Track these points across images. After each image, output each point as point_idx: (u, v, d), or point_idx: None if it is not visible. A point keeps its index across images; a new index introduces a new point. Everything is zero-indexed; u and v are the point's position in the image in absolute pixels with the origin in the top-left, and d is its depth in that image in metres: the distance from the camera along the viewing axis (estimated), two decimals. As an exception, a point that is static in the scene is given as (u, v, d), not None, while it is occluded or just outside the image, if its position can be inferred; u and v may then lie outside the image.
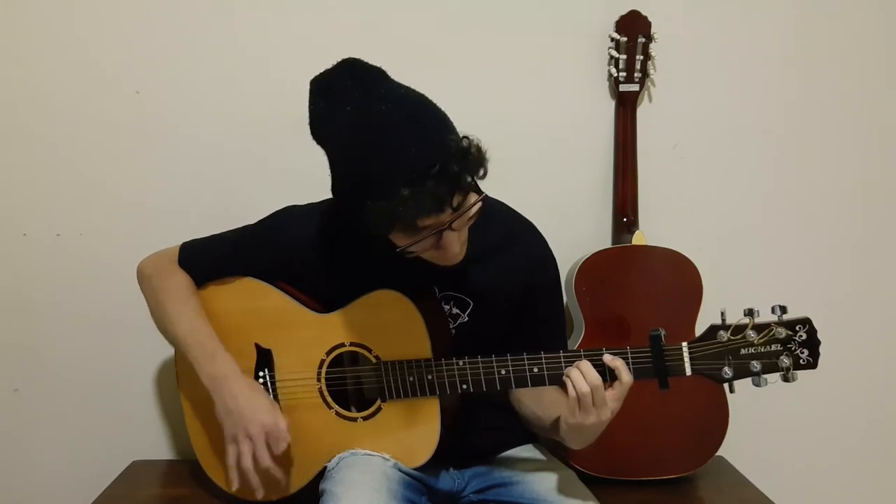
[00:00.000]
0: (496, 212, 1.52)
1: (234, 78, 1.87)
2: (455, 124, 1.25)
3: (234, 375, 1.45)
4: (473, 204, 1.26)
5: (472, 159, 1.21)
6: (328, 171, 1.28)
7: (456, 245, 1.28)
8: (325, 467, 1.48)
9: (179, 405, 1.63)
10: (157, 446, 1.99)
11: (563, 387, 1.33)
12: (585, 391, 1.29)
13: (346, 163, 1.23)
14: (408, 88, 1.26)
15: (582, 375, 1.30)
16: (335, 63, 1.27)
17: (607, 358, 1.33)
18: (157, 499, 1.77)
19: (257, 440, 1.41)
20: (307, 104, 1.30)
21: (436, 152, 1.17)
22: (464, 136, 1.22)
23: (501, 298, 1.50)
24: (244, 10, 1.86)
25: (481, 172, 1.24)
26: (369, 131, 1.19)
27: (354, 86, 1.23)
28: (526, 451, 1.63)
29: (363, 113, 1.20)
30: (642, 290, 1.80)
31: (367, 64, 1.27)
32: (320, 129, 1.27)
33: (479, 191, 1.26)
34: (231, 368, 1.45)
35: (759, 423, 1.98)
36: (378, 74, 1.27)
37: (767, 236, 1.98)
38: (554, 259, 1.56)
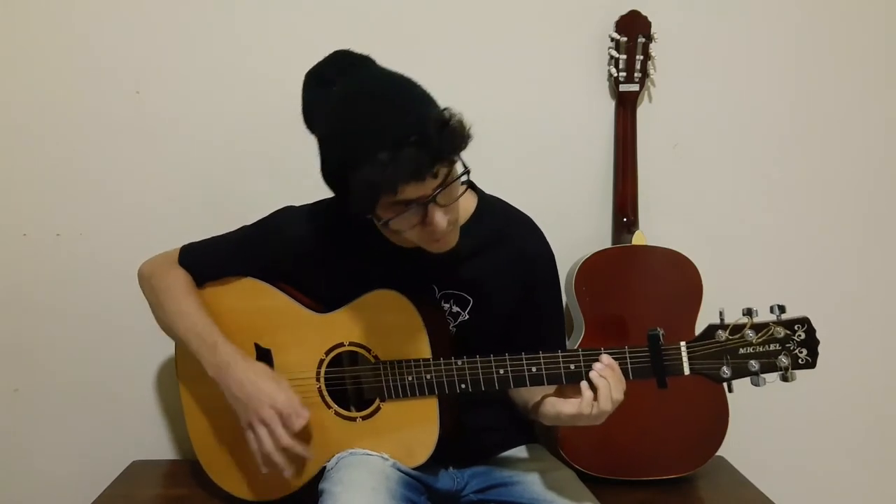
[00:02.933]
0: (493, 207, 1.53)
1: (235, 78, 1.88)
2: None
3: (236, 362, 1.44)
4: (458, 177, 1.27)
5: (451, 131, 1.22)
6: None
7: (443, 221, 1.27)
8: (324, 467, 1.48)
9: (179, 405, 1.64)
10: (157, 446, 1.99)
11: (563, 384, 1.33)
12: (607, 410, 1.31)
13: (330, 137, 1.26)
14: (394, 72, 1.29)
15: (610, 393, 1.31)
16: (326, 56, 1.32)
17: (605, 359, 1.34)
18: (157, 499, 1.77)
19: (272, 422, 1.39)
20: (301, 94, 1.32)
21: (414, 121, 1.19)
22: (445, 109, 1.24)
23: (501, 293, 1.50)
24: (244, 10, 1.86)
25: (462, 145, 1.24)
26: (352, 105, 1.23)
27: (342, 71, 1.28)
28: (525, 451, 1.63)
29: (348, 90, 1.25)
30: (642, 290, 1.80)
31: (355, 53, 1.31)
32: (311, 113, 1.31)
33: (464, 165, 1.27)
34: (233, 356, 1.44)
35: (759, 423, 1.98)
36: (366, 60, 1.31)
37: (768, 236, 1.98)
38: (552, 253, 1.56)
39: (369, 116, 1.20)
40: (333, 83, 1.26)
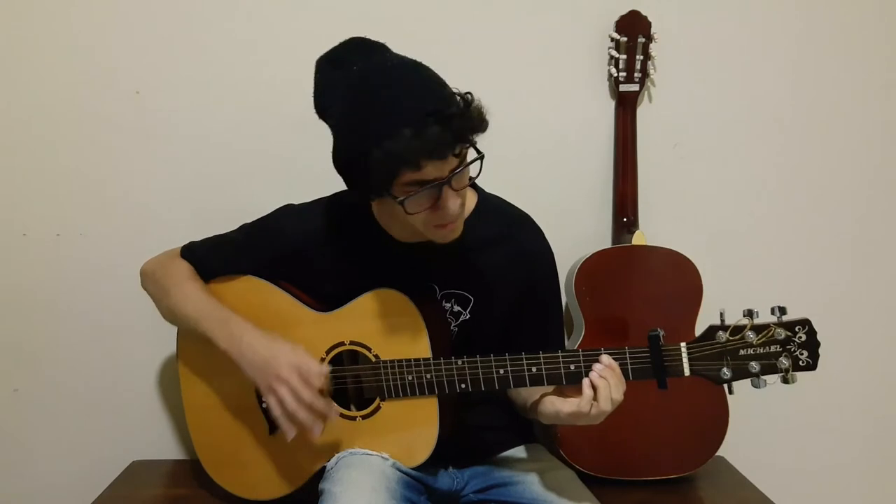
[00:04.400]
0: (493, 206, 1.53)
1: (235, 77, 1.87)
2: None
3: (249, 332, 1.43)
4: (474, 160, 1.28)
5: (473, 112, 1.24)
6: (328, 166, 1.29)
7: (455, 205, 1.28)
8: (324, 466, 1.48)
9: (179, 405, 1.64)
10: (157, 446, 1.99)
11: (560, 385, 1.33)
12: (607, 410, 1.30)
13: (349, 116, 1.26)
14: (411, 58, 1.29)
15: (610, 394, 1.30)
16: (341, 42, 1.32)
17: (605, 359, 1.33)
18: (158, 499, 1.77)
19: (291, 379, 1.36)
20: (307, 103, 1.32)
21: (437, 98, 1.21)
22: (467, 92, 1.26)
23: (502, 292, 1.50)
24: (244, 10, 1.86)
25: (482, 128, 1.26)
26: (374, 83, 1.24)
27: (359, 54, 1.29)
28: (525, 451, 1.63)
29: (367, 70, 1.25)
30: (642, 290, 1.80)
31: (370, 39, 1.32)
32: (325, 96, 1.31)
33: (478, 151, 1.28)
34: (245, 326, 1.43)
35: (759, 423, 1.99)
36: (382, 46, 1.32)
37: (768, 236, 1.98)
38: (551, 251, 1.56)
39: (393, 93, 1.21)
40: (351, 65, 1.26)
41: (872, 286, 2.01)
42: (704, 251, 1.81)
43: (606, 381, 1.30)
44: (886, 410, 2.05)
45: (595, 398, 1.30)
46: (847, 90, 1.94)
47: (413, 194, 1.25)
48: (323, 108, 1.32)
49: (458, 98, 1.24)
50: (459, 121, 1.21)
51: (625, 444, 1.74)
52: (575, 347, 1.76)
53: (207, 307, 1.48)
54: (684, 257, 1.77)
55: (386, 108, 1.21)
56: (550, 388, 1.41)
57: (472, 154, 1.28)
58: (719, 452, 1.81)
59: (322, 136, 1.31)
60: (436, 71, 1.27)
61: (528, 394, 1.48)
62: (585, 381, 1.31)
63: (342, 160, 1.29)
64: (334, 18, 1.86)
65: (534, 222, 1.55)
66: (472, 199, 1.50)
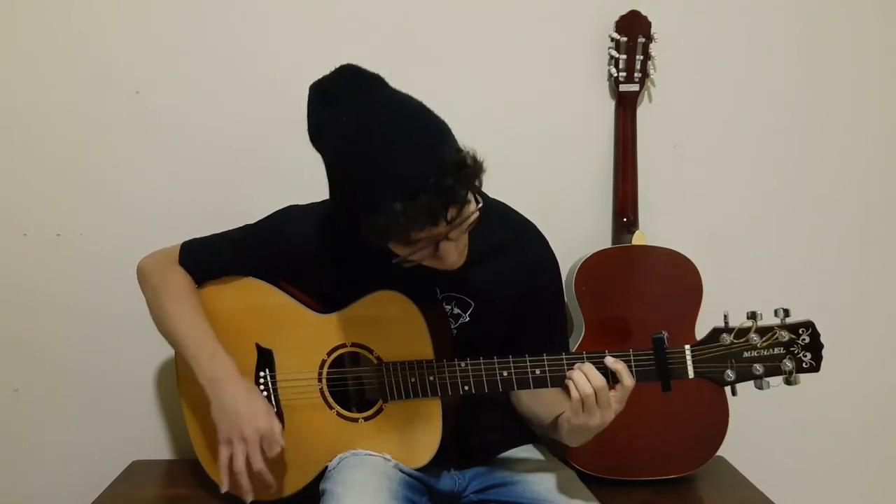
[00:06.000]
0: (497, 213, 1.52)
1: (235, 78, 1.87)
2: (455, 126, 1.24)
3: (232, 377, 1.44)
4: (471, 214, 1.26)
5: (467, 172, 1.19)
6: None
7: (454, 254, 1.28)
8: (326, 467, 1.48)
9: (179, 405, 1.64)
10: (157, 446, 1.99)
11: (566, 389, 1.33)
12: (588, 392, 1.29)
13: (341, 173, 1.24)
14: (406, 96, 1.25)
15: (585, 377, 1.30)
16: (334, 69, 1.27)
17: (609, 361, 1.33)
18: (157, 499, 1.77)
19: (251, 443, 1.41)
20: (306, 106, 1.30)
21: (429, 165, 1.16)
22: (459, 150, 1.20)
23: (503, 299, 1.50)
24: (244, 10, 1.86)
25: (477, 184, 1.23)
26: (364, 142, 1.19)
27: (352, 93, 1.23)
28: (526, 451, 1.63)
29: (359, 122, 1.20)
30: (642, 290, 1.80)
31: (365, 71, 1.27)
32: (318, 135, 1.28)
33: (477, 199, 1.26)
34: (230, 370, 1.45)
35: (759, 423, 1.99)
36: (376, 82, 1.26)
37: (767, 236, 1.98)
38: (555, 260, 1.56)
39: (383, 159, 1.16)
40: (343, 105, 1.22)
41: (872, 286, 2.01)
42: (704, 251, 1.81)
43: (580, 372, 1.31)
44: (886, 410, 2.05)
45: (581, 400, 1.30)
46: (848, 90, 1.94)
47: (408, 254, 1.26)
48: (316, 142, 1.28)
49: (451, 157, 1.18)
50: (452, 185, 1.16)
51: (625, 444, 1.74)
52: (575, 347, 1.76)
53: (198, 334, 1.48)
54: (684, 257, 1.77)
55: (376, 175, 1.17)
56: (565, 407, 1.39)
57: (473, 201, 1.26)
58: (719, 452, 1.81)
59: (323, 137, 1.30)
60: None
61: (547, 413, 1.47)
62: (569, 382, 1.32)
63: (336, 204, 1.29)
64: (335, 18, 1.85)
65: (536, 230, 1.55)
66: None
